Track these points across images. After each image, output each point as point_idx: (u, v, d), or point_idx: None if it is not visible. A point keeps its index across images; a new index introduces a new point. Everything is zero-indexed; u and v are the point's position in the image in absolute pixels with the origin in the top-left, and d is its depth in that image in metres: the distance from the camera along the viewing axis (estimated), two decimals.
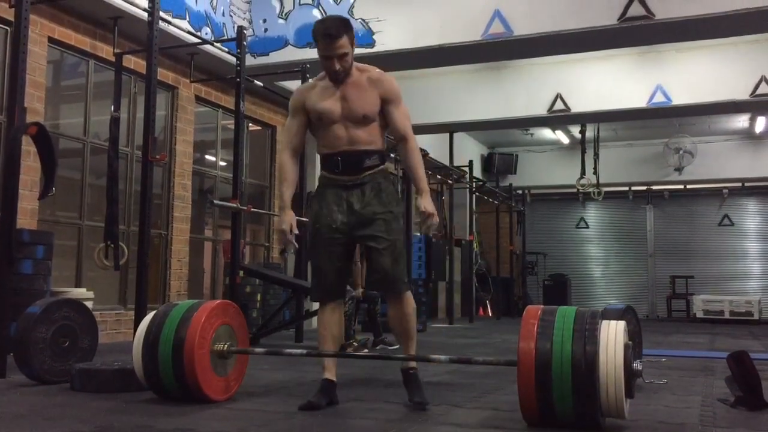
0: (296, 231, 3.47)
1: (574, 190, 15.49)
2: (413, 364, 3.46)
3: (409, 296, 3.45)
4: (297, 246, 3.55)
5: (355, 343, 6.28)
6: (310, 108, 3.45)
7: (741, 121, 13.96)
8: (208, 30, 7.86)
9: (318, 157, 3.56)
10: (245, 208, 6.90)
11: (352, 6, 7.96)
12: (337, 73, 3.35)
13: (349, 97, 3.38)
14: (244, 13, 8.46)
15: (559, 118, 10.99)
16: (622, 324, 2.91)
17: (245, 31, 7.09)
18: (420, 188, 3.40)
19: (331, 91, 3.41)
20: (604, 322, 2.89)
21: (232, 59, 6.94)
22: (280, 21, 8.36)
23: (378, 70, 3.49)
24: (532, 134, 15.29)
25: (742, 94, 9.56)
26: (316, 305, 3.63)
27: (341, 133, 3.39)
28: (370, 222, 3.36)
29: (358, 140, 3.39)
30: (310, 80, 3.61)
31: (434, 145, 11.64)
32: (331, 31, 3.29)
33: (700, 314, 14.17)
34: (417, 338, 3.54)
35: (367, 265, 3.52)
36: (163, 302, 7.74)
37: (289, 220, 3.45)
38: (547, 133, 15.23)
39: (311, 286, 3.59)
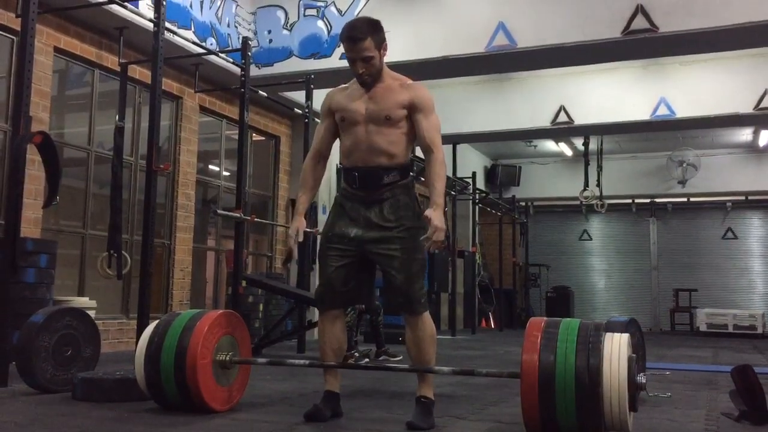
0: (300, 239, 3.38)
1: (577, 203, 15.47)
2: (425, 391, 3.28)
3: (426, 318, 3.28)
4: (296, 256, 3.51)
5: (357, 354, 6.26)
6: (336, 108, 3.37)
7: (745, 134, 13.95)
8: (213, 40, 7.89)
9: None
10: (248, 218, 6.90)
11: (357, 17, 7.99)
12: (361, 76, 3.26)
13: (376, 98, 3.28)
14: (249, 24, 8.50)
15: (562, 130, 11.01)
16: (625, 337, 2.90)
17: (250, 42, 7.12)
18: (433, 201, 3.17)
19: (360, 92, 3.32)
20: (608, 335, 2.88)
21: (237, 70, 6.97)
22: (285, 32, 8.39)
23: (415, 82, 3.38)
24: (535, 146, 15.30)
25: (746, 107, 9.58)
26: (317, 316, 3.58)
27: (362, 137, 3.27)
28: (385, 239, 3.24)
29: (378, 149, 3.26)
30: (345, 84, 3.46)
31: None
32: (355, 33, 3.20)
33: (703, 328, 14.10)
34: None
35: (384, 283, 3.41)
36: (165, 312, 7.73)
37: (296, 226, 3.38)
38: (550, 145, 15.23)
39: (315, 294, 3.49)
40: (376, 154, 3.28)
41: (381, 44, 3.27)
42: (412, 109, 3.28)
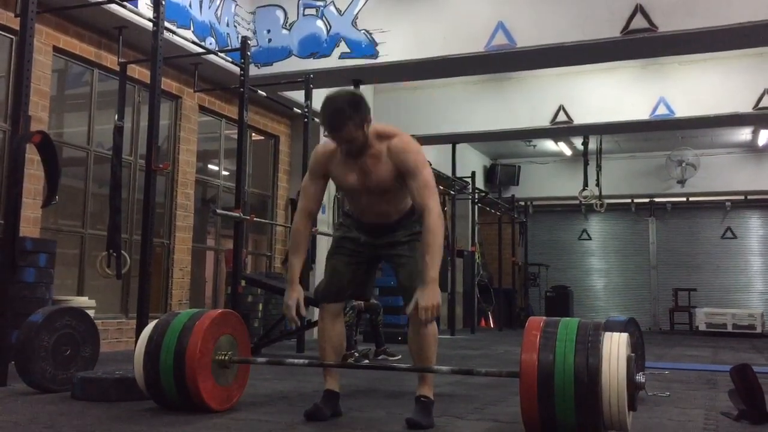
0: (303, 312, 3.32)
1: (577, 202, 15.48)
2: (425, 391, 3.30)
3: None
4: (299, 324, 3.52)
5: (357, 354, 6.26)
6: (333, 177, 3.38)
7: (744, 134, 13.96)
8: (213, 40, 7.89)
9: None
10: (248, 217, 6.90)
11: (356, 17, 8.00)
12: (348, 150, 3.23)
13: (368, 171, 3.23)
14: (249, 24, 8.49)
15: (561, 129, 11.00)
16: (624, 336, 2.90)
17: (249, 42, 7.12)
18: (423, 278, 3.04)
19: (350, 162, 3.27)
20: (607, 334, 2.88)
21: (236, 69, 6.97)
22: (284, 32, 8.39)
23: (401, 138, 3.23)
24: (534, 146, 15.30)
25: (746, 107, 9.57)
26: (317, 315, 3.59)
27: (366, 204, 3.34)
28: (394, 244, 3.38)
29: (384, 213, 3.36)
30: (330, 142, 3.30)
31: (437, 156, 11.66)
32: (335, 123, 3.09)
33: (702, 327, 14.11)
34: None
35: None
36: (164, 311, 7.74)
37: (295, 296, 3.29)
38: (549, 145, 15.24)
39: (317, 288, 3.54)
40: (385, 215, 3.37)
41: (364, 121, 3.13)
42: (401, 174, 3.21)
